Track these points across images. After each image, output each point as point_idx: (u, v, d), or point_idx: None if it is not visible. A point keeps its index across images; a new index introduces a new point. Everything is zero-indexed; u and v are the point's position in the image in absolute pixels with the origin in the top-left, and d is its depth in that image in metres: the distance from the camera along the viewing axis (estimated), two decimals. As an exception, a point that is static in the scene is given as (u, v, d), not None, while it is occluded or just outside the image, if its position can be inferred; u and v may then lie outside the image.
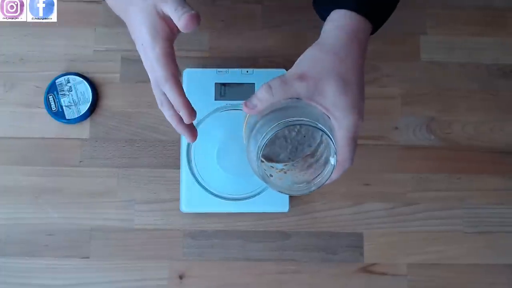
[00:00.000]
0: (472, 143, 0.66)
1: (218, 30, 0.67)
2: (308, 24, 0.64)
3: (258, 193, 0.61)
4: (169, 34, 0.45)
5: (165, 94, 0.46)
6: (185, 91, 0.63)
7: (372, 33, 0.48)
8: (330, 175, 0.43)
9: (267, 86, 0.44)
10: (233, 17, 0.67)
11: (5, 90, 0.65)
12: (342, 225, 0.63)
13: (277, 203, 0.62)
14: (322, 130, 0.41)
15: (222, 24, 0.67)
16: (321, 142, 0.46)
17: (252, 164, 0.44)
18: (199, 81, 0.63)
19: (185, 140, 0.61)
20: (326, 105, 0.43)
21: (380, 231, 0.64)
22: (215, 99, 0.63)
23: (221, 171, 0.61)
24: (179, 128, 0.48)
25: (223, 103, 0.62)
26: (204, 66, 0.65)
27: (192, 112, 0.46)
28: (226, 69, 0.63)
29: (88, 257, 0.62)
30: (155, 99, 0.64)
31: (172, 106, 0.46)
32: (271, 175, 0.45)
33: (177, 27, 0.45)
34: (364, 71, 0.46)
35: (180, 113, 0.46)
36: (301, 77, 0.43)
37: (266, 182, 0.44)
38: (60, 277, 0.62)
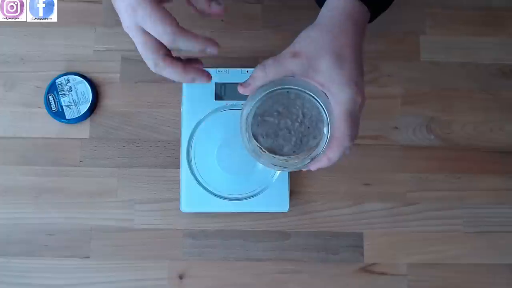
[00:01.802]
0: (472, 143, 0.66)
1: (218, 30, 0.67)
2: (308, 24, 0.64)
3: (258, 193, 0.61)
4: None
5: (159, 52, 0.43)
6: (185, 91, 0.63)
7: (371, 20, 0.48)
8: (324, 145, 0.42)
9: (261, 64, 0.44)
10: (233, 17, 0.67)
11: (5, 90, 0.65)
12: (342, 225, 0.63)
13: (277, 203, 0.61)
14: (311, 95, 0.41)
15: (222, 24, 0.67)
16: (321, 137, 0.45)
17: (243, 140, 0.44)
18: (199, 81, 0.63)
19: (185, 140, 0.61)
20: (321, 80, 0.43)
21: (380, 231, 0.64)
22: (215, 99, 0.63)
23: (221, 171, 0.61)
24: (189, 76, 0.45)
25: (223, 103, 0.62)
26: (204, 66, 0.65)
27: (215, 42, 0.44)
28: (226, 69, 0.63)
29: (88, 257, 0.62)
30: (155, 99, 0.65)
31: (173, 60, 0.44)
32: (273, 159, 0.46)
33: None
34: (362, 51, 0.45)
35: (208, 50, 0.43)
36: (295, 55, 0.43)
37: (258, 158, 0.44)
38: (60, 277, 0.62)
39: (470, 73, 0.67)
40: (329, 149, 0.44)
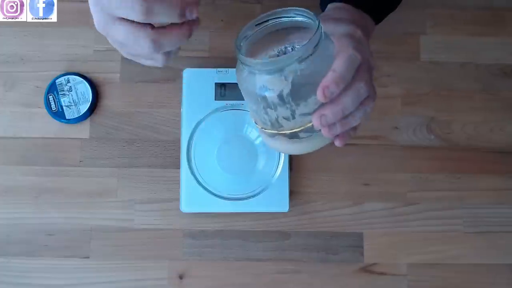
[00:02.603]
0: (472, 143, 0.66)
1: (218, 30, 0.67)
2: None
3: (258, 193, 0.61)
4: None
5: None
6: (185, 91, 0.63)
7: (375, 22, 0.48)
8: (317, 32, 0.38)
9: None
10: (233, 17, 0.67)
11: (5, 90, 0.65)
12: (342, 225, 0.63)
13: (277, 203, 0.61)
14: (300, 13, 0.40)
15: (222, 24, 0.67)
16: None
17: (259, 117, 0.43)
18: (199, 81, 0.63)
19: (185, 140, 0.61)
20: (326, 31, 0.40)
21: (380, 231, 0.64)
22: (215, 99, 0.63)
23: (221, 171, 0.61)
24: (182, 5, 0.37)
25: (223, 103, 0.62)
26: (204, 66, 0.65)
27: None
28: (226, 69, 0.63)
29: (88, 257, 0.62)
30: (155, 99, 0.65)
31: (152, 31, 0.37)
32: (278, 125, 0.43)
33: None
34: (366, 34, 0.44)
35: (187, 13, 0.37)
36: None
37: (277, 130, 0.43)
38: (60, 277, 0.62)
39: (470, 73, 0.67)
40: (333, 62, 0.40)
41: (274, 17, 0.43)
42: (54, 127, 0.64)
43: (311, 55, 0.38)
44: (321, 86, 0.38)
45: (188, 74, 0.63)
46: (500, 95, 0.67)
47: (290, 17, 0.42)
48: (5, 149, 0.64)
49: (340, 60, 0.39)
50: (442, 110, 0.66)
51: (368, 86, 0.40)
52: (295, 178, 0.64)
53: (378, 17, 0.49)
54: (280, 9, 0.42)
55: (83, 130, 0.64)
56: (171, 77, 0.65)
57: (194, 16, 0.37)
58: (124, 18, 0.37)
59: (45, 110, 0.64)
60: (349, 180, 0.64)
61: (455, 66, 0.68)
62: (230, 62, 0.66)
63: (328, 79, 0.38)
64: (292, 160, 0.64)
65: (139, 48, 0.39)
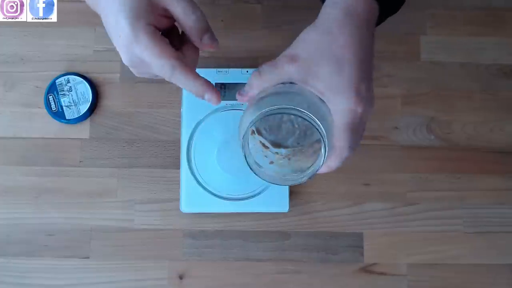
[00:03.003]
0: (472, 143, 0.66)
1: (218, 30, 0.67)
2: (308, 24, 0.64)
3: (258, 193, 0.61)
4: (156, 22, 0.40)
5: (175, 56, 0.40)
6: (185, 91, 0.63)
7: (380, 20, 0.44)
8: (321, 164, 0.40)
9: (256, 71, 0.42)
10: (233, 17, 0.67)
11: (5, 90, 0.65)
12: (342, 225, 0.63)
13: (277, 203, 0.61)
14: (305, 118, 0.38)
15: (222, 24, 0.67)
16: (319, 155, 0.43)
17: (244, 153, 0.42)
18: (199, 81, 0.63)
19: (185, 140, 0.61)
20: (320, 88, 0.40)
21: (380, 231, 0.64)
22: (215, 99, 0.63)
23: (221, 171, 0.61)
24: (203, 87, 0.41)
25: (223, 103, 0.62)
26: (204, 66, 0.65)
27: (218, 92, 0.42)
28: (226, 69, 0.63)
29: (88, 257, 0.62)
30: (155, 99, 0.65)
31: (186, 70, 0.40)
32: (272, 162, 0.44)
33: (170, 22, 0.40)
34: (371, 51, 0.42)
35: (205, 97, 0.41)
36: (292, 59, 0.41)
37: (255, 171, 0.42)
38: (60, 277, 0.62)
39: (470, 73, 0.67)
40: (328, 158, 0.42)
41: (296, 114, 0.41)
42: (54, 127, 0.64)
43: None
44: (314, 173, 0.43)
45: (188, 74, 0.63)
46: (500, 95, 0.67)
47: (306, 120, 0.41)
48: (5, 149, 0.64)
49: (334, 160, 0.42)
50: (442, 110, 0.66)
51: (353, 152, 0.42)
52: (295, 178, 0.64)
53: (387, 6, 0.44)
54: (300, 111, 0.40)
55: (83, 130, 0.64)
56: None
57: (214, 102, 0.42)
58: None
59: (45, 110, 0.64)
60: (349, 180, 0.64)
61: (455, 66, 0.68)
62: (230, 62, 0.66)
63: (323, 171, 0.43)
64: (292, 160, 0.64)
65: (159, 69, 0.41)
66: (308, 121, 0.39)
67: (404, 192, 0.64)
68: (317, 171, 0.41)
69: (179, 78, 0.39)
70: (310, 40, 0.41)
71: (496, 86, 0.67)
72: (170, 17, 0.42)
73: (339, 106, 0.40)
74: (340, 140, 0.41)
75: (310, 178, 0.41)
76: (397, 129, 0.66)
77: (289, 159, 0.44)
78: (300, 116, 0.39)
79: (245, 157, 0.41)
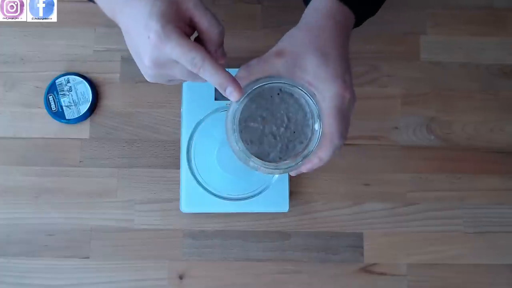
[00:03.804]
0: (472, 143, 0.66)
1: (218, 30, 0.67)
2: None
3: (258, 193, 0.61)
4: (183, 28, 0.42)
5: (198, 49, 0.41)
6: (185, 91, 0.63)
7: (357, 24, 0.47)
8: (316, 142, 0.41)
9: (245, 65, 0.44)
10: (233, 17, 0.67)
11: (5, 90, 0.65)
12: (342, 225, 0.63)
13: (277, 203, 0.61)
14: (299, 88, 0.40)
15: (222, 24, 0.67)
16: (312, 136, 0.43)
17: (233, 147, 0.43)
18: (199, 81, 0.63)
19: (185, 140, 0.61)
20: (307, 78, 0.42)
21: (380, 231, 0.64)
22: (215, 99, 0.63)
23: (221, 171, 0.61)
24: (227, 82, 0.41)
25: (223, 103, 0.62)
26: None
27: (241, 88, 0.42)
28: (226, 69, 0.63)
29: (88, 257, 0.62)
30: (155, 99, 0.65)
31: (211, 62, 0.41)
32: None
33: (191, 31, 0.43)
34: (346, 51, 0.44)
35: (227, 90, 0.41)
36: (279, 54, 0.43)
37: (246, 161, 0.43)
38: (60, 277, 0.62)
39: (470, 73, 0.67)
40: (319, 148, 0.43)
41: (283, 82, 0.42)
42: (54, 127, 0.64)
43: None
44: (305, 168, 0.44)
45: (188, 74, 0.63)
46: (500, 95, 0.67)
47: (299, 89, 0.42)
48: (5, 149, 0.64)
49: (326, 149, 0.43)
50: (442, 110, 0.66)
51: (343, 141, 0.43)
52: (295, 178, 0.64)
53: (358, 10, 0.47)
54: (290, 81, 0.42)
55: (83, 130, 0.64)
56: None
57: (233, 97, 0.41)
58: None
59: (45, 110, 0.64)
60: (349, 180, 0.64)
61: (455, 66, 0.68)
62: (230, 62, 0.66)
63: (314, 165, 0.44)
64: (292, 160, 0.64)
65: (188, 79, 0.44)
66: (299, 88, 0.40)
67: (404, 192, 0.64)
68: (312, 149, 0.41)
69: (209, 70, 0.41)
70: (295, 37, 0.44)
71: (497, 86, 0.67)
72: (193, 27, 0.44)
73: (327, 92, 0.42)
74: (330, 125, 0.42)
75: (304, 158, 0.42)
76: (397, 129, 0.66)
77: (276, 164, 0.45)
78: (291, 85, 0.40)
79: (235, 143, 0.42)
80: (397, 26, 0.67)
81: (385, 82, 0.67)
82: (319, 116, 0.41)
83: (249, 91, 0.42)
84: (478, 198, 0.65)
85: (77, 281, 0.62)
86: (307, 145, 0.43)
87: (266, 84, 0.42)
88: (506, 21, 0.69)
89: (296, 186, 0.64)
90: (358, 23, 0.47)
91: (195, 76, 0.42)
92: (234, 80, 0.41)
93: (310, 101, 0.41)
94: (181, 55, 0.40)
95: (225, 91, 0.41)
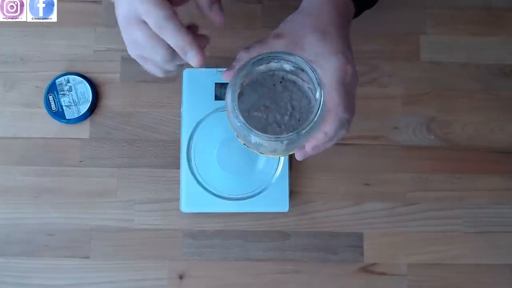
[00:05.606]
0: (472, 143, 0.66)
1: (218, 30, 0.67)
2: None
3: (258, 193, 0.61)
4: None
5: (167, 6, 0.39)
6: (185, 91, 0.63)
7: (356, 15, 0.48)
8: (318, 111, 0.39)
9: (245, 48, 0.44)
10: (234, 17, 0.67)
11: (5, 90, 0.65)
12: (342, 225, 0.63)
13: (277, 203, 0.61)
14: (298, 57, 0.39)
15: (222, 24, 0.67)
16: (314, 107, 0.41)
17: (234, 124, 0.41)
18: (199, 81, 0.63)
19: (185, 140, 0.61)
20: (308, 56, 0.41)
21: (380, 231, 0.64)
22: (215, 99, 0.63)
23: (221, 171, 0.61)
24: (189, 45, 0.39)
25: (223, 103, 0.62)
26: (204, 66, 0.65)
27: (203, 53, 0.40)
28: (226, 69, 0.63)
29: (88, 257, 0.62)
30: (155, 99, 0.65)
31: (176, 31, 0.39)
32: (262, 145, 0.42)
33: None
34: (346, 32, 0.44)
35: (188, 55, 0.39)
36: (279, 35, 0.43)
37: (249, 143, 0.42)
38: (60, 277, 0.62)
39: (470, 73, 0.67)
40: (324, 123, 0.41)
41: (279, 56, 0.41)
42: (54, 127, 0.64)
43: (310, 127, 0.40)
44: (310, 146, 0.42)
45: (188, 74, 0.63)
46: (500, 95, 0.67)
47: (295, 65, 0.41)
48: (5, 149, 0.64)
49: (331, 123, 0.41)
50: (442, 110, 0.66)
51: (348, 114, 0.42)
52: (295, 178, 0.64)
53: (360, 2, 0.48)
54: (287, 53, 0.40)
55: (83, 130, 0.64)
56: (171, 77, 0.65)
57: (194, 63, 0.40)
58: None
59: (45, 110, 0.64)
60: (349, 180, 0.64)
61: (455, 66, 0.67)
62: (230, 62, 0.66)
63: (319, 141, 0.42)
64: (292, 160, 0.64)
65: (154, 54, 0.40)
66: (299, 59, 0.39)
67: (404, 192, 0.64)
68: (315, 119, 0.39)
69: (171, 29, 0.38)
70: (294, 20, 0.45)
71: (497, 86, 0.67)
72: None
73: (329, 66, 0.41)
74: (333, 98, 0.41)
75: (309, 128, 0.39)
76: (397, 129, 0.66)
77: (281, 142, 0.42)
78: (289, 60, 0.40)
79: (235, 118, 0.40)
80: (398, 26, 0.67)
81: (385, 82, 0.67)
82: (319, 84, 0.39)
83: (251, 62, 0.40)
84: (479, 198, 0.65)
85: (77, 281, 0.62)
86: (313, 108, 0.41)
87: (265, 57, 0.40)
88: (506, 21, 0.69)
89: (296, 186, 0.64)
90: (357, 12, 0.47)
91: (156, 43, 0.40)
92: (197, 45, 0.39)
93: (310, 70, 0.39)
94: (147, 11, 0.38)
95: (185, 55, 0.39)
